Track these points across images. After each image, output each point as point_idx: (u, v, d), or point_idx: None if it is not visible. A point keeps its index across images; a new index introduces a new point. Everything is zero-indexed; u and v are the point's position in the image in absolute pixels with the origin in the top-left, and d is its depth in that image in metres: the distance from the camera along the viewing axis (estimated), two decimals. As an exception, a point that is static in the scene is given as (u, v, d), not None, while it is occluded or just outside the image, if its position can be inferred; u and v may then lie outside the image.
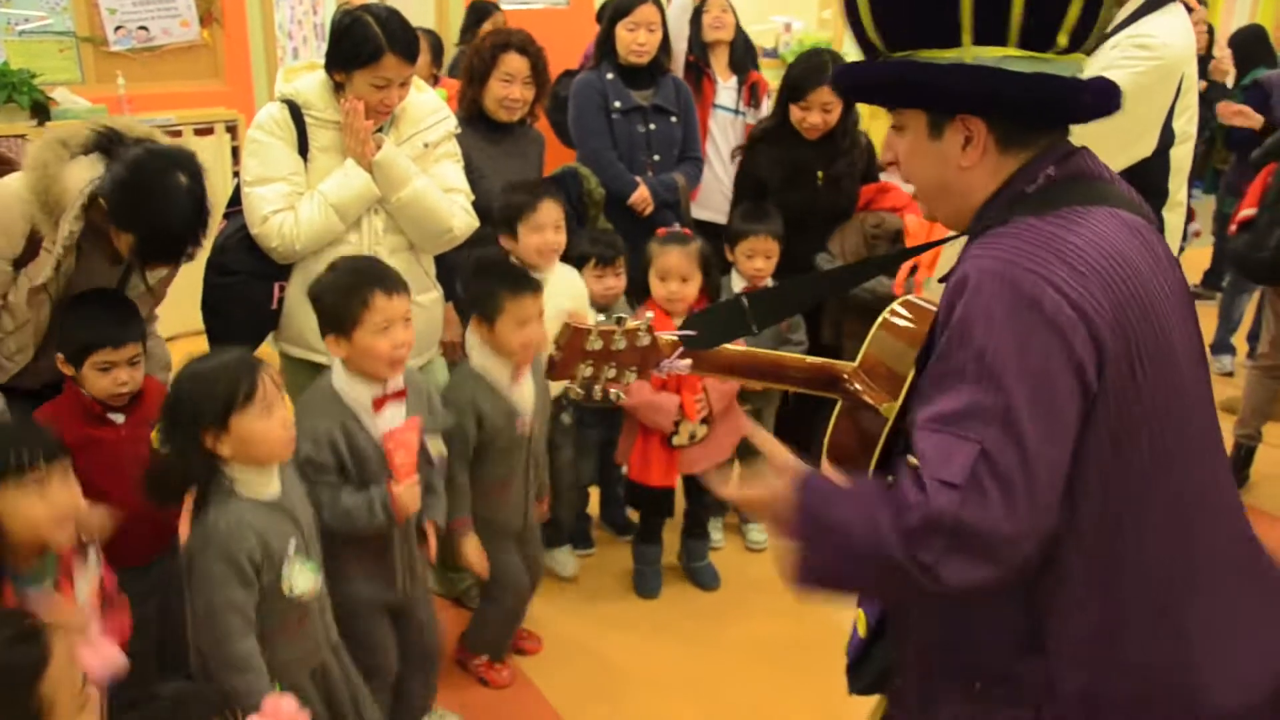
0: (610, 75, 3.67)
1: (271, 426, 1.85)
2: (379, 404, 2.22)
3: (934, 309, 1.41)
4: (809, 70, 3.39)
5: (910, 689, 1.43)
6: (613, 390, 1.47)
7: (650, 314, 1.52)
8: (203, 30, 5.29)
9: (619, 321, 1.44)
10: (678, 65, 4.09)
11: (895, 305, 1.58)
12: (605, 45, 3.71)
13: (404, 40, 2.47)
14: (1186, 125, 3.04)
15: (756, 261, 3.21)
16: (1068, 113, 1.28)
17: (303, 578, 1.93)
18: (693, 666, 2.92)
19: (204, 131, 5.13)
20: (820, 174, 3.46)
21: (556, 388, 3.03)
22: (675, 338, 1.45)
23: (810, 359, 1.61)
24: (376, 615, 2.32)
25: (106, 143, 2.14)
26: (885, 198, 3.55)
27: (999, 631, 1.28)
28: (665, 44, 3.72)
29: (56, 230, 2.10)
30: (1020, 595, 1.24)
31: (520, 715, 2.72)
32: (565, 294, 3.03)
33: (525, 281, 2.55)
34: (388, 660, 2.36)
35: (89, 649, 1.67)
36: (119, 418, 2.22)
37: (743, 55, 4.35)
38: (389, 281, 2.20)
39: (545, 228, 2.87)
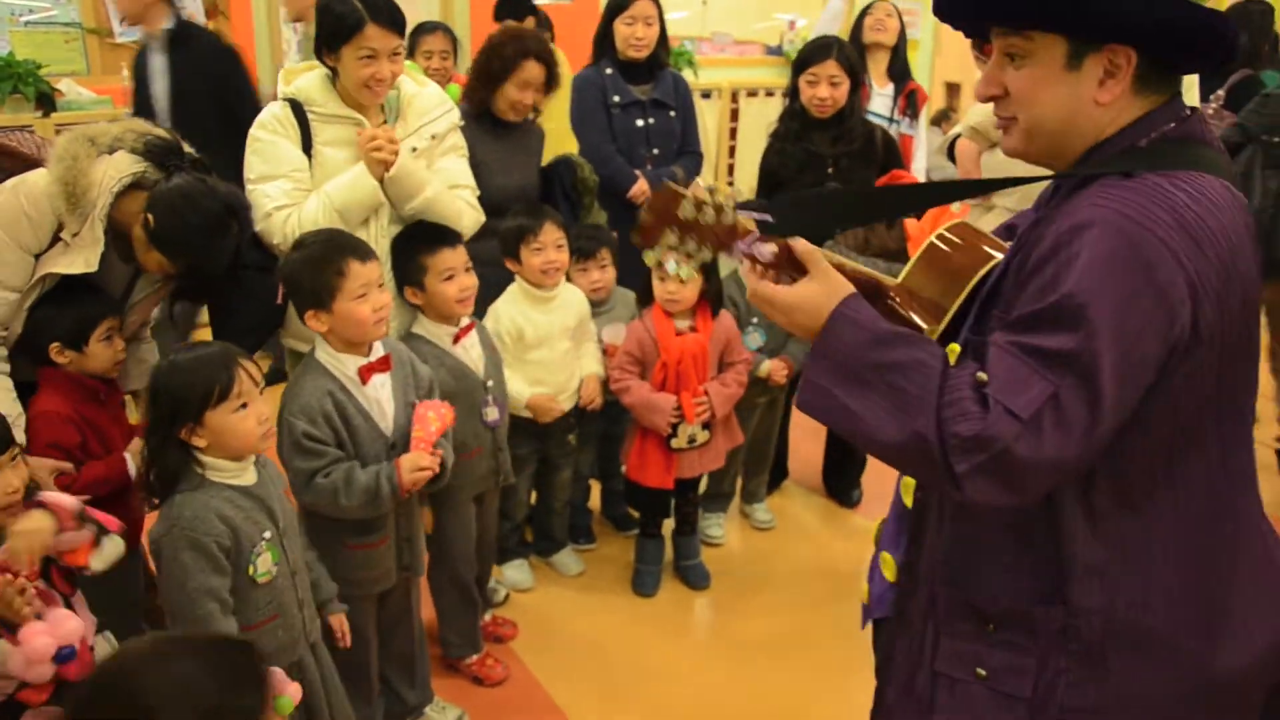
0: (609, 71, 3.68)
1: (246, 422, 1.86)
2: (366, 374, 2.25)
3: (988, 238, 1.42)
4: (818, 46, 3.51)
5: (917, 618, 1.44)
6: (685, 267, 1.39)
7: (732, 181, 1.46)
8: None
9: (711, 191, 1.37)
10: None
11: (945, 229, 1.51)
12: (604, 41, 3.71)
13: (386, 11, 2.47)
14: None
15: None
16: (1224, 52, 1.21)
17: (265, 565, 1.93)
18: (695, 661, 2.93)
19: (208, 124, 5.12)
20: (831, 161, 3.49)
21: (564, 403, 3.07)
22: (753, 220, 1.38)
23: (866, 269, 1.50)
24: (364, 604, 2.34)
25: (161, 154, 2.20)
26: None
27: (1024, 576, 1.30)
28: (663, 38, 3.72)
29: (76, 222, 2.14)
30: (1053, 545, 1.26)
31: (524, 710, 2.72)
32: (573, 312, 3.07)
33: (440, 237, 2.59)
34: (367, 652, 2.38)
35: (43, 628, 1.68)
36: (103, 396, 2.30)
37: (903, 63, 4.28)
38: (360, 249, 2.24)
39: (547, 248, 2.94)
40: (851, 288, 1.32)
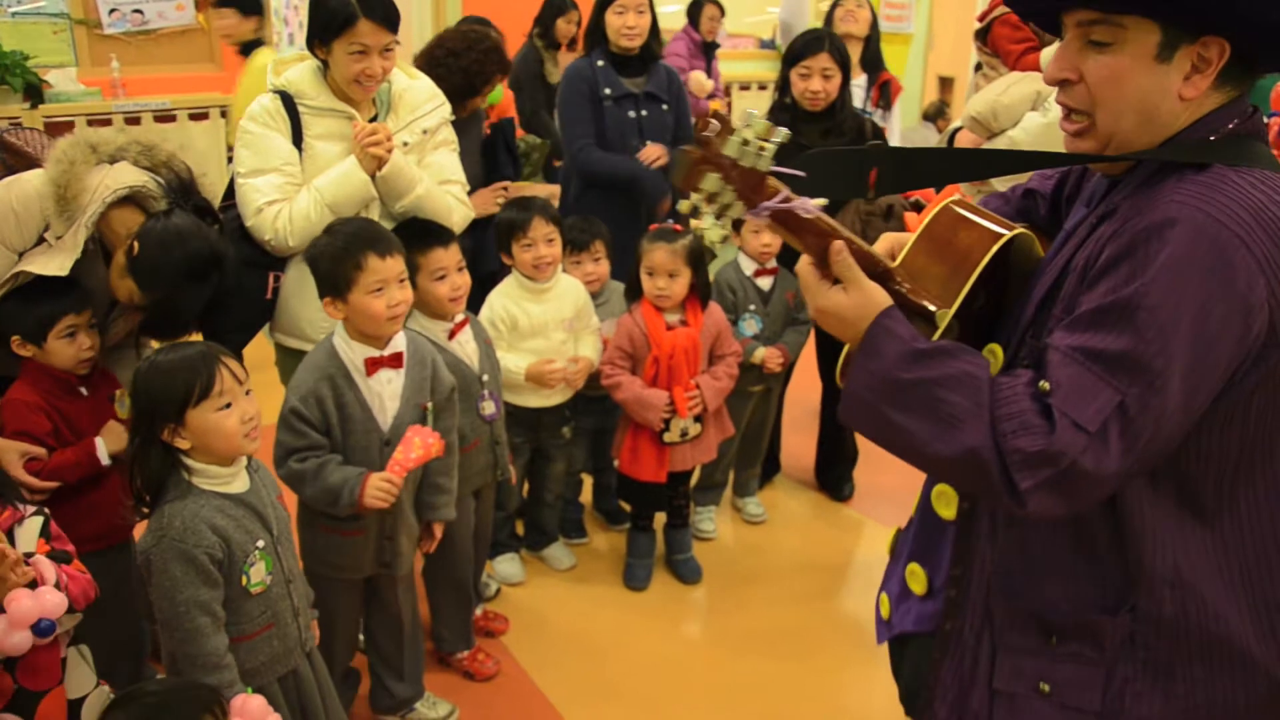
0: (601, 63, 3.66)
1: (229, 421, 1.84)
2: (372, 367, 2.26)
3: (990, 215, 1.36)
4: (810, 39, 3.51)
5: (969, 634, 1.38)
6: (716, 228, 1.24)
7: (785, 129, 1.27)
8: (198, 14, 5.26)
9: (767, 127, 1.21)
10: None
11: (948, 202, 1.42)
12: (595, 33, 3.69)
13: (379, 6, 2.45)
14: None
15: (764, 237, 3.30)
16: None
17: (258, 574, 1.91)
18: (687, 655, 2.93)
19: (199, 116, 5.12)
20: None
21: (556, 396, 3.06)
22: (783, 175, 1.24)
23: (882, 258, 1.39)
24: (332, 586, 2.34)
25: (174, 187, 2.19)
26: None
27: (1089, 585, 1.26)
28: (655, 29, 3.70)
29: (62, 225, 2.13)
30: (1118, 553, 1.22)
31: (514, 705, 2.72)
32: (570, 303, 3.06)
33: (432, 236, 2.59)
34: (329, 635, 2.36)
35: (28, 593, 1.68)
36: (84, 390, 2.28)
37: (876, 54, 4.28)
38: (383, 243, 2.24)
39: (537, 243, 2.96)
40: (889, 299, 1.26)
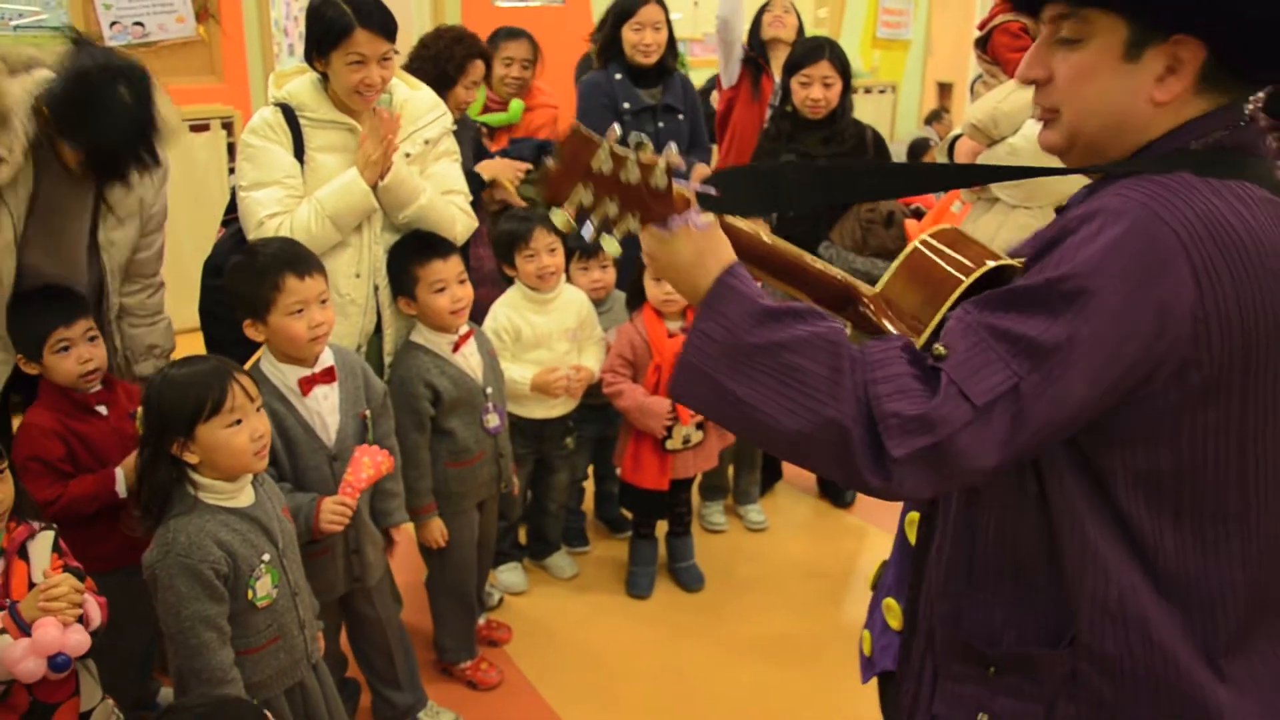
0: (618, 76, 3.68)
1: (238, 438, 1.84)
2: (307, 386, 2.24)
3: (979, 246, 1.29)
4: (810, 48, 3.56)
5: (916, 658, 1.33)
6: (608, 238, 1.19)
7: (673, 145, 1.26)
8: (199, 26, 5.27)
9: (637, 147, 1.17)
10: (735, 56, 4.11)
11: (930, 234, 1.40)
12: (612, 46, 3.70)
13: (376, 16, 2.45)
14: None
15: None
16: None
17: (264, 588, 1.91)
18: (689, 663, 2.93)
19: (200, 128, 5.12)
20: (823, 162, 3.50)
21: (560, 407, 3.07)
22: (691, 193, 1.19)
23: (836, 272, 1.38)
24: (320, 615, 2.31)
25: (74, 43, 2.15)
26: (890, 184, 3.57)
27: (1026, 615, 1.17)
28: (672, 42, 3.72)
29: (8, 138, 2.07)
30: (1057, 582, 1.13)
31: (518, 714, 2.72)
32: (573, 313, 3.07)
33: (431, 248, 2.59)
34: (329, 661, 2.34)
35: (56, 625, 1.69)
36: (103, 409, 2.25)
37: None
38: (302, 264, 2.21)
39: (539, 253, 2.96)
40: (733, 255, 1.15)
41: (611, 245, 1.19)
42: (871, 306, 1.30)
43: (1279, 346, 1.03)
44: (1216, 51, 1.04)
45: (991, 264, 1.29)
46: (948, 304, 1.26)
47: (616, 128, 1.17)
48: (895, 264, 1.37)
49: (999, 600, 1.20)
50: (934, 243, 1.35)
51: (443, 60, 3.30)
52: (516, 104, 3.82)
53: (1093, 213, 1.03)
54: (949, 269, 1.30)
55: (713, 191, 1.19)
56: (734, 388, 1.06)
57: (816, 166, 1.29)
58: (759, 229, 1.37)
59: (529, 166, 3.48)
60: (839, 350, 1.04)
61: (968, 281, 1.27)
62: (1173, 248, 0.98)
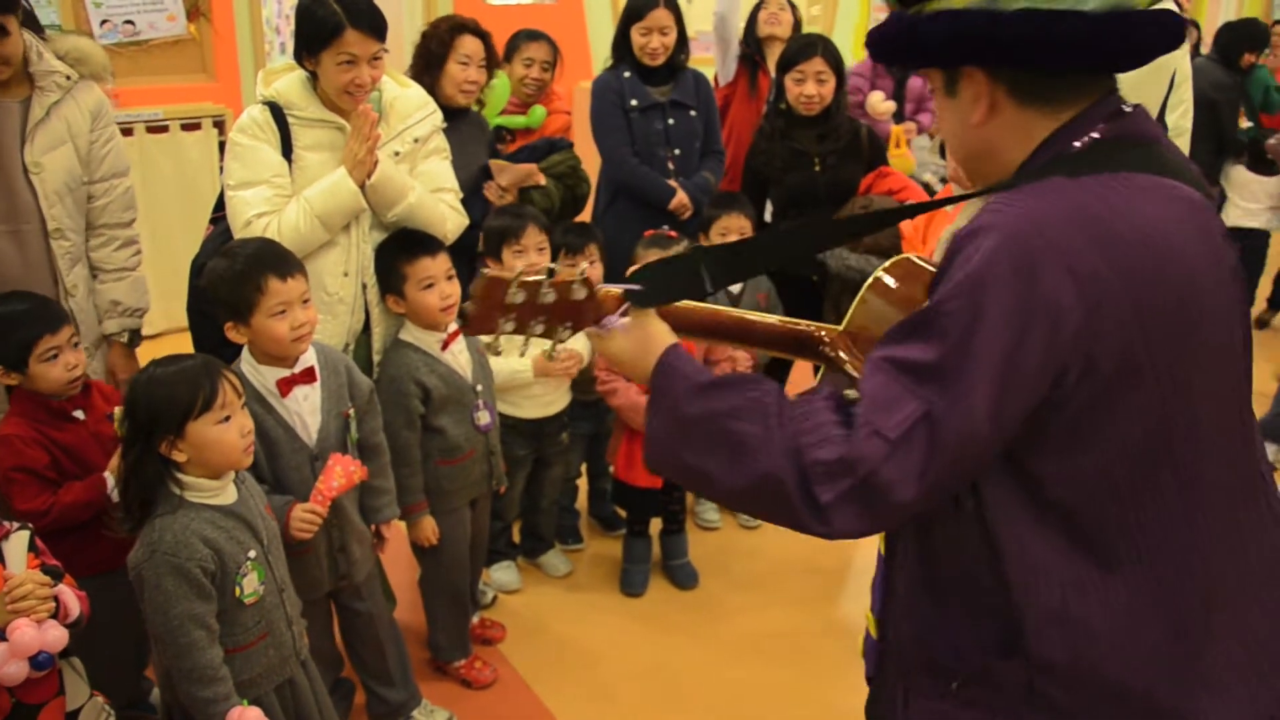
0: (628, 74, 3.67)
1: (229, 434, 1.84)
2: (285, 387, 2.23)
3: (931, 269, 1.32)
4: (803, 44, 3.57)
5: (892, 679, 1.35)
6: (549, 344, 1.34)
7: (587, 264, 1.39)
8: (189, 25, 5.25)
9: (550, 273, 1.29)
10: (731, 53, 4.10)
11: (886, 266, 1.45)
12: (622, 45, 3.70)
13: (366, 15, 2.43)
14: (1181, 119, 3.04)
15: (730, 239, 3.28)
16: (1082, 55, 1.10)
17: (251, 585, 1.90)
18: (683, 660, 2.93)
19: (191, 127, 5.12)
20: (817, 159, 3.51)
21: (557, 403, 3.05)
22: (619, 291, 1.31)
23: (784, 321, 1.48)
24: (306, 613, 2.29)
25: None
26: (884, 182, 3.60)
27: (978, 627, 1.19)
28: (682, 41, 3.70)
29: None
30: (1003, 592, 1.14)
31: (512, 712, 2.72)
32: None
33: (420, 245, 2.57)
34: (322, 662, 2.33)
35: (32, 625, 1.69)
36: (79, 414, 2.24)
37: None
38: (284, 265, 2.20)
39: (529, 250, 2.94)
40: (671, 337, 1.27)
41: (550, 350, 1.38)
42: (837, 350, 1.37)
43: (1180, 321, 1.06)
44: (1008, 70, 1.13)
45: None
46: None
47: (519, 265, 1.29)
48: (855, 301, 1.44)
49: (956, 614, 1.22)
50: (886, 278, 1.42)
51: (427, 36, 3.25)
52: (539, 110, 3.78)
53: (974, 230, 1.08)
54: (898, 305, 1.36)
55: (638, 288, 1.31)
56: (685, 456, 1.17)
57: (726, 246, 1.44)
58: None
59: (536, 168, 3.46)
60: (768, 410, 1.12)
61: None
62: (1041, 249, 1.03)
